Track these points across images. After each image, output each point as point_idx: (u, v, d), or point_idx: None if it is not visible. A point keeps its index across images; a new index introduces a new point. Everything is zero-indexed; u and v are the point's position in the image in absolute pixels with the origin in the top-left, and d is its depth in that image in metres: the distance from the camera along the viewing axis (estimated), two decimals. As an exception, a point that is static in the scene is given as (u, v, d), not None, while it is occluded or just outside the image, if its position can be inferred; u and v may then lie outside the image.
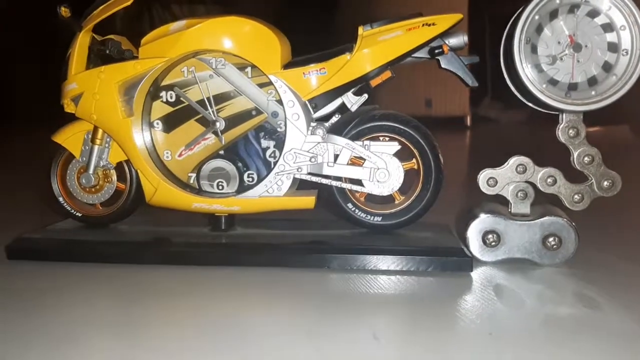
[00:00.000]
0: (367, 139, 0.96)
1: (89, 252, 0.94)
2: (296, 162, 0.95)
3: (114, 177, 1.02)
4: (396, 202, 0.98)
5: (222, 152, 1.00)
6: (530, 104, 0.94)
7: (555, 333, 0.69)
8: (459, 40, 0.93)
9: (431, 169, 0.95)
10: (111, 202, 1.03)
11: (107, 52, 0.98)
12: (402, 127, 0.95)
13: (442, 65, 0.94)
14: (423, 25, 0.91)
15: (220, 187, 0.99)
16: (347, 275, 0.88)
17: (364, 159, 0.95)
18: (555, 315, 0.75)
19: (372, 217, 0.97)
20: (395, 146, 0.95)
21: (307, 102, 0.95)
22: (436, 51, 0.92)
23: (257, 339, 0.67)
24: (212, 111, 0.98)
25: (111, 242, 0.96)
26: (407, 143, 0.96)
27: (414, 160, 0.96)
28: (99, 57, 0.99)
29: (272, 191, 0.95)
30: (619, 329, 0.70)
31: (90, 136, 0.99)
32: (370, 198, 0.99)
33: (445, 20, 0.91)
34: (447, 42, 0.92)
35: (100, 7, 0.98)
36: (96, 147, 0.99)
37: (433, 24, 0.91)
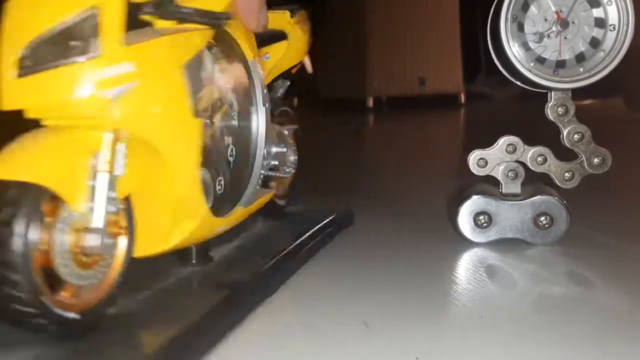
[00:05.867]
0: None
1: None
2: None
3: None
4: None
5: None
6: (518, 83, 0.93)
7: (547, 314, 0.68)
8: None
9: None
10: None
11: None
12: None
13: None
14: None
15: None
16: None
17: None
18: (548, 295, 0.75)
19: None
20: None
21: None
22: None
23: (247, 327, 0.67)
24: None
25: None
26: None
27: None
28: None
29: None
30: (611, 307, 0.70)
31: None
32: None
33: None
34: None
35: None
36: None
37: None
